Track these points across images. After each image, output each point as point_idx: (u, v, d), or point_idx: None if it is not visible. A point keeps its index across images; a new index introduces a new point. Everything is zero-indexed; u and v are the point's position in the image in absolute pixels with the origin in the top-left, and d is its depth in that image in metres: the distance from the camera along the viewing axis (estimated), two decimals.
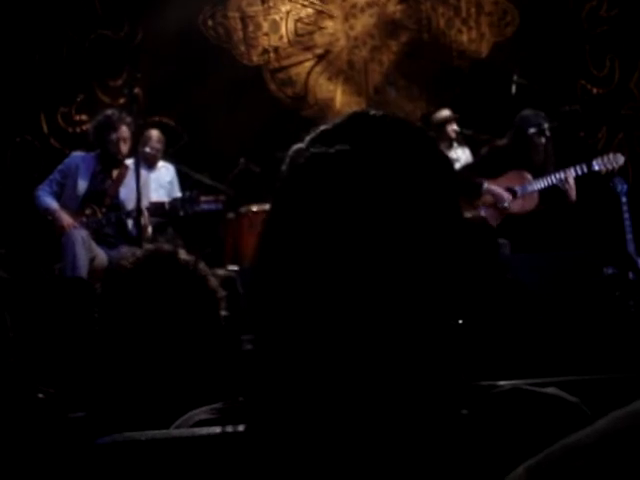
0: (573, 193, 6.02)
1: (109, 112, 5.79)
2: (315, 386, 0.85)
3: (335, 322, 0.84)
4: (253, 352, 0.90)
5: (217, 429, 0.91)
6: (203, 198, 6.11)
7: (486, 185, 6.13)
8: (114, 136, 5.63)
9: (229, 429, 0.89)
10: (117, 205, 5.72)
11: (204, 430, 0.94)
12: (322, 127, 0.94)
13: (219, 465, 0.87)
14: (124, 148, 5.70)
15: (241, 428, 0.89)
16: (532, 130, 6.08)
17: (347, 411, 0.84)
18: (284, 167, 0.92)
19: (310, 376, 0.85)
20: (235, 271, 4.50)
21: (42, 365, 3.10)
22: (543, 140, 6.13)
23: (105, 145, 5.69)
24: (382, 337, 0.84)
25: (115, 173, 5.78)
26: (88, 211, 5.65)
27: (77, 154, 5.89)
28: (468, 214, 5.95)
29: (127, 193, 5.67)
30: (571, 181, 5.99)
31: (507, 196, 6.12)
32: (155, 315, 1.72)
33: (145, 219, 5.51)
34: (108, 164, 5.75)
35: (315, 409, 0.85)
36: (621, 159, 6.13)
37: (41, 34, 7.06)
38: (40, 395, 2.03)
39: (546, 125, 6.09)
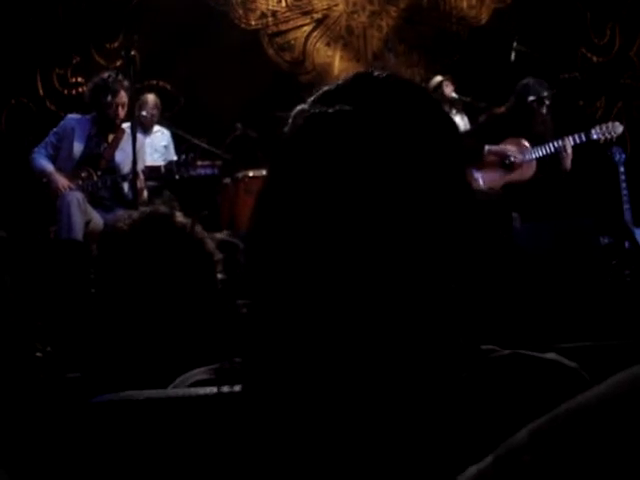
0: (569, 161, 6.00)
1: (106, 75, 5.73)
2: (310, 348, 0.84)
3: (331, 285, 0.83)
4: (248, 315, 0.90)
5: (213, 389, 0.91)
6: (199, 162, 6.09)
7: (487, 147, 6.11)
8: (111, 100, 5.58)
9: (225, 389, 0.89)
10: (112, 168, 5.68)
11: (200, 390, 0.94)
12: (325, 88, 0.92)
13: (215, 425, 0.87)
14: (121, 112, 5.65)
15: (237, 388, 0.89)
16: (532, 98, 6.05)
17: (342, 374, 0.83)
18: (286, 128, 0.90)
19: (305, 338, 0.85)
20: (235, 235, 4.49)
21: (40, 325, 3.11)
22: (544, 109, 6.10)
23: (102, 108, 5.64)
24: (379, 301, 0.83)
25: (111, 137, 5.74)
26: (84, 174, 5.62)
27: (73, 116, 5.85)
28: (484, 188, 5.93)
29: (123, 157, 5.64)
30: (569, 149, 5.98)
31: (512, 149, 6.09)
32: (151, 277, 1.71)
33: (141, 182, 5.49)
34: (104, 127, 5.72)
35: (310, 371, 0.84)
36: (619, 128, 6.11)
37: None
38: (38, 354, 2.04)
39: (546, 94, 6.06)
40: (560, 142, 5.99)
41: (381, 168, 0.83)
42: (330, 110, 0.85)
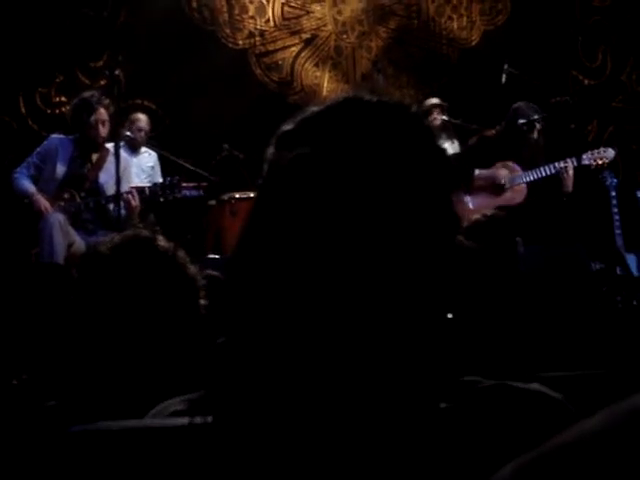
0: (570, 184, 6.00)
1: (87, 94, 5.72)
2: (287, 380, 0.84)
3: (313, 317, 0.83)
4: (225, 343, 0.89)
5: (186, 420, 0.91)
6: (184, 184, 6.04)
7: (477, 171, 6.09)
8: (92, 119, 5.55)
9: (198, 420, 0.89)
10: (96, 190, 5.65)
11: (177, 421, 0.95)
12: (314, 108, 0.90)
13: (189, 456, 0.88)
14: (103, 131, 5.62)
15: (210, 419, 0.88)
16: (522, 121, 6.04)
17: (318, 404, 0.83)
18: (269, 151, 0.90)
19: (283, 370, 0.84)
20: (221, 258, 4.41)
21: (17, 351, 3.07)
22: (535, 133, 6.10)
23: (83, 128, 5.61)
24: (358, 336, 0.82)
25: (95, 157, 5.72)
26: (66, 195, 5.57)
27: (56, 136, 5.81)
28: (489, 211, 5.90)
29: (107, 178, 5.60)
30: (570, 172, 5.97)
31: (503, 172, 6.08)
32: (132, 302, 1.68)
33: (135, 201, 5.44)
34: (87, 148, 5.67)
35: (286, 402, 0.84)
36: (611, 153, 6.13)
37: (20, 12, 6.92)
38: (14, 381, 2.02)
39: (537, 117, 6.06)
40: (557, 165, 5.98)
41: (366, 199, 0.82)
42: (317, 152, 0.84)
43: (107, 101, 5.55)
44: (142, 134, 6.49)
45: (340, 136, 0.85)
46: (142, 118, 6.57)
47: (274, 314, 0.84)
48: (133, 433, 0.94)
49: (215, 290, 1.73)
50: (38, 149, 5.71)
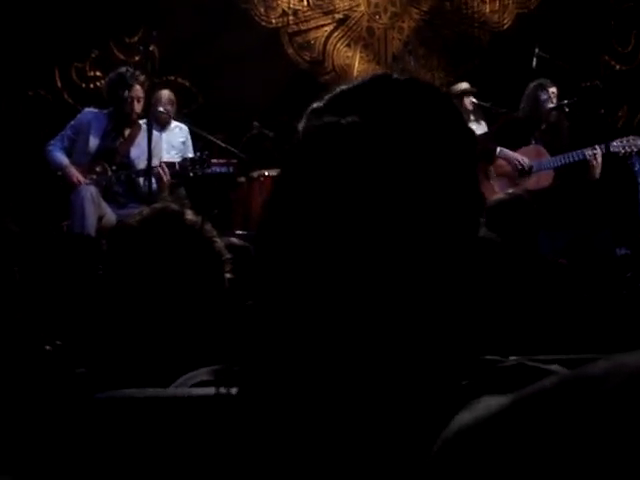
0: (598, 171, 5.97)
1: (123, 69, 5.74)
2: (310, 352, 0.85)
3: (335, 290, 0.83)
4: (251, 315, 0.89)
5: (212, 390, 0.91)
6: (215, 160, 6.08)
7: (500, 149, 6.08)
8: (127, 94, 5.58)
9: (222, 391, 0.89)
10: (127, 164, 5.69)
11: (200, 391, 0.96)
12: (342, 87, 0.91)
13: (212, 426, 0.88)
14: (137, 107, 5.66)
15: (235, 390, 0.89)
16: (551, 105, 6.05)
17: (341, 379, 0.83)
18: (299, 127, 0.90)
19: (306, 342, 0.85)
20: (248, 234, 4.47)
21: (50, 319, 3.13)
22: (563, 118, 6.09)
23: (118, 103, 5.64)
24: (382, 305, 0.83)
25: (127, 132, 5.75)
26: (98, 168, 5.63)
27: (89, 110, 5.85)
28: (511, 190, 5.92)
29: (138, 153, 5.65)
30: (599, 159, 5.94)
31: (523, 159, 6.07)
32: (159, 274, 1.71)
33: (166, 175, 5.49)
34: (120, 122, 5.72)
35: (308, 375, 0.84)
36: None
37: None
38: (47, 347, 2.06)
39: (548, 82, 6.05)
40: (589, 152, 5.94)
41: (392, 176, 0.83)
42: (343, 122, 0.84)
43: (142, 77, 5.58)
44: (167, 110, 6.43)
45: (368, 111, 0.85)
46: (164, 94, 6.50)
47: (302, 283, 0.85)
48: (157, 401, 0.96)
49: (240, 260, 1.78)
50: (72, 122, 5.76)
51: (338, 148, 0.84)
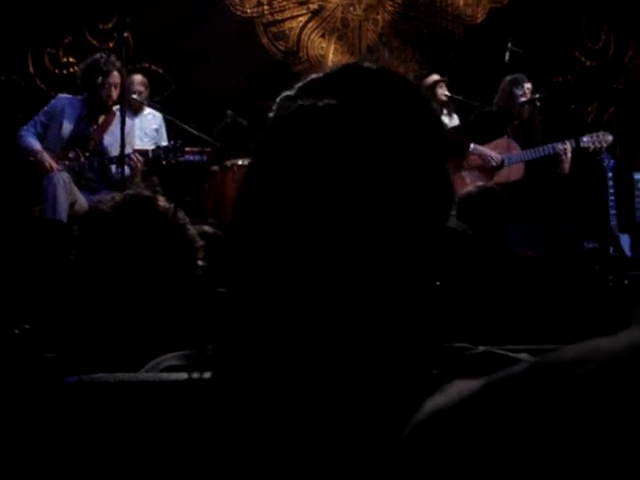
0: (567, 165, 6.04)
1: (98, 56, 5.70)
2: (282, 338, 0.85)
3: (307, 277, 0.84)
4: (224, 302, 0.90)
5: (184, 375, 0.92)
6: (188, 149, 6.07)
7: (473, 145, 6.14)
8: (104, 81, 5.55)
9: (195, 376, 0.89)
10: (100, 151, 5.66)
11: (171, 375, 0.95)
12: (313, 76, 0.92)
13: (183, 411, 0.88)
14: (114, 94, 5.62)
15: (207, 375, 0.89)
16: (523, 99, 6.11)
17: (312, 366, 0.84)
18: (271, 114, 0.90)
19: (278, 328, 0.85)
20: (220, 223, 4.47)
21: (21, 303, 3.11)
22: (534, 111, 6.14)
23: (94, 89, 5.61)
24: (354, 293, 0.83)
25: (101, 119, 5.72)
26: (71, 154, 5.60)
27: (64, 96, 5.82)
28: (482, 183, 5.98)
29: (111, 140, 5.63)
30: (569, 154, 6.01)
31: (496, 156, 6.13)
32: (131, 260, 1.72)
33: (140, 162, 5.50)
34: (95, 109, 5.69)
35: (280, 360, 0.85)
36: (609, 138, 6.18)
37: None
38: (16, 331, 2.04)
39: (524, 78, 6.12)
40: (559, 146, 6.01)
41: (363, 162, 0.83)
42: (319, 104, 0.85)
43: (119, 64, 5.54)
44: (139, 93, 6.40)
45: (343, 95, 0.85)
46: (137, 79, 6.46)
47: (272, 272, 0.85)
48: (128, 386, 0.95)
49: (212, 248, 1.78)
50: (45, 108, 5.72)
51: (316, 129, 0.84)
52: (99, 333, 1.72)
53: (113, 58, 5.64)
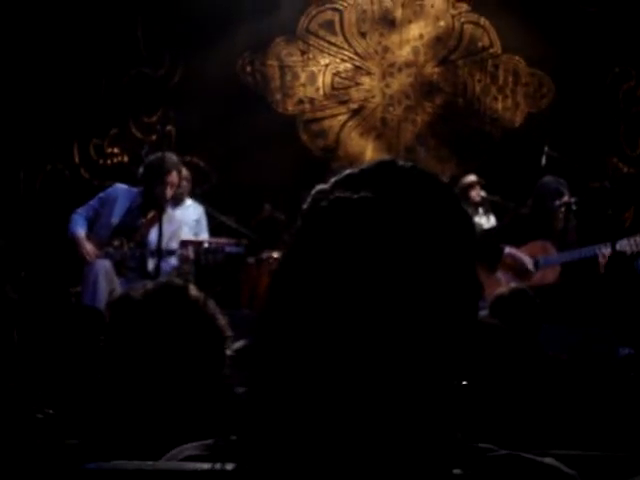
0: (603, 269, 6.00)
1: (162, 155, 5.73)
2: (309, 435, 0.84)
3: (335, 372, 0.84)
4: (248, 393, 0.90)
5: (202, 465, 0.91)
6: (225, 240, 6.13)
7: (507, 249, 6.13)
8: (163, 179, 5.63)
9: (217, 466, 0.89)
10: (144, 243, 5.73)
11: (190, 465, 0.94)
12: (348, 171, 0.94)
13: None
14: (169, 192, 5.71)
15: (229, 467, 0.88)
16: (558, 202, 6.12)
17: (336, 462, 0.84)
18: (305, 206, 0.92)
19: (306, 424, 0.85)
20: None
21: (44, 386, 3.11)
22: (570, 215, 6.14)
23: (151, 185, 5.69)
24: (380, 389, 0.83)
25: (150, 213, 5.79)
26: (116, 243, 5.67)
27: (120, 186, 5.92)
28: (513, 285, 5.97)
29: (157, 234, 5.69)
30: (607, 256, 5.98)
31: (529, 260, 6.11)
32: (159, 347, 1.73)
33: (191, 254, 5.57)
34: (148, 203, 5.77)
35: (307, 456, 0.84)
36: None
37: (82, 66, 7.16)
38: (39, 415, 2.04)
39: (566, 194, 6.13)
40: (599, 249, 5.98)
41: (395, 256, 0.84)
42: (355, 196, 0.86)
43: (181, 166, 5.64)
44: (182, 186, 6.42)
45: (378, 188, 0.87)
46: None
47: (303, 360, 0.85)
48: (146, 474, 0.94)
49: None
50: (100, 194, 5.85)
51: (351, 220, 0.85)
52: (123, 420, 1.71)
53: (176, 159, 5.74)
